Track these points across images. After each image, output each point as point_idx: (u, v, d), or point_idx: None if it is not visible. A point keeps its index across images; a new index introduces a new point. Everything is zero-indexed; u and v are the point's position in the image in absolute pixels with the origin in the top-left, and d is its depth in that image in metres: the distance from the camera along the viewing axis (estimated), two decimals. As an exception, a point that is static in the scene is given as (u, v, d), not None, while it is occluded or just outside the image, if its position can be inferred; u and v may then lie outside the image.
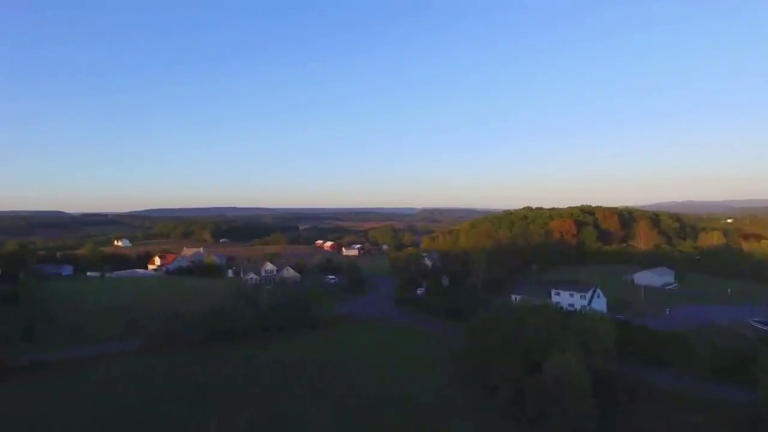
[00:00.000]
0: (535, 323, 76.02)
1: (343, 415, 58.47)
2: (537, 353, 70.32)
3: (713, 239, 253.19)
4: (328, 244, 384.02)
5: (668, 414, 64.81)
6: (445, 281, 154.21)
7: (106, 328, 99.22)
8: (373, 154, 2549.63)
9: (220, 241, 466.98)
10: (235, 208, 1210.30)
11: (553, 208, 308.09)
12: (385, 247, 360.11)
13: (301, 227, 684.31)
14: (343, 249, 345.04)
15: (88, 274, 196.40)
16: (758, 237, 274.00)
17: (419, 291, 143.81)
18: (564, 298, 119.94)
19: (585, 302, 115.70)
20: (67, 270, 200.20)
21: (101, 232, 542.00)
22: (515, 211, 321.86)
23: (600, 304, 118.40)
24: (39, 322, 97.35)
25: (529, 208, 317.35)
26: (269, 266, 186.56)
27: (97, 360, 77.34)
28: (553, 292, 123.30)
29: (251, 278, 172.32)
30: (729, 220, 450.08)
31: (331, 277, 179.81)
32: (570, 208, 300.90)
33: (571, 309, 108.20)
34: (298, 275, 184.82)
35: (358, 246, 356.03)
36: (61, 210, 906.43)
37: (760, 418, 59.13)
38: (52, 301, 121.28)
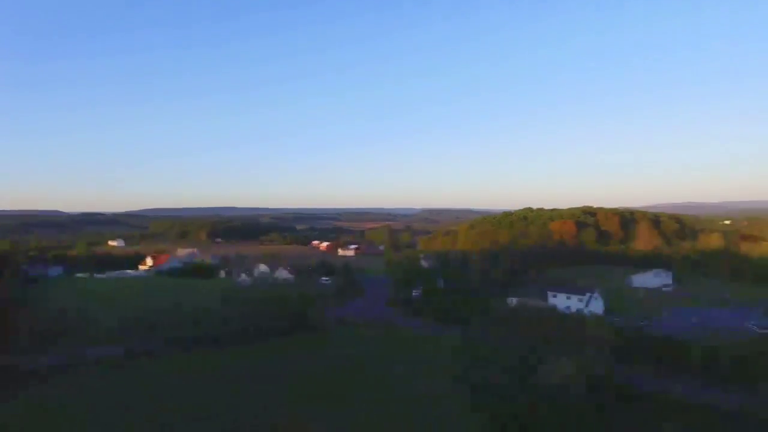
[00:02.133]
0: (531, 327, 74.84)
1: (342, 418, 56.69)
2: (532, 357, 69.15)
3: (712, 241, 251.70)
4: (324, 244, 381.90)
5: (660, 419, 63.42)
6: (440, 283, 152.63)
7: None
8: (373, 154, 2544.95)
9: (216, 241, 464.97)
10: (233, 207, 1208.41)
11: (553, 209, 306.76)
12: (382, 247, 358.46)
13: (298, 227, 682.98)
14: (339, 249, 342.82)
15: (78, 275, 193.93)
16: (756, 239, 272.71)
17: (415, 293, 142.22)
18: (561, 301, 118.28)
19: (582, 305, 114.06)
20: (56, 271, 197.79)
21: (95, 232, 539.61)
22: (515, 212, 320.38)
23: (597, 306, 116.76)
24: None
25: (530, 209, 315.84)
26: (263, 267, 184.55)
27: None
28: (550, 294, 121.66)
29: (243, 279, 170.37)
30: (727, 222, 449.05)
31: (325, 278, 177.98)
32: (571, 208, 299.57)
33: (568, 312, 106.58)
34: (293, 276, 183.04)
35: (355, 246, 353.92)
36: (58, 209, 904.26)
37: (756, 421, 57.75)
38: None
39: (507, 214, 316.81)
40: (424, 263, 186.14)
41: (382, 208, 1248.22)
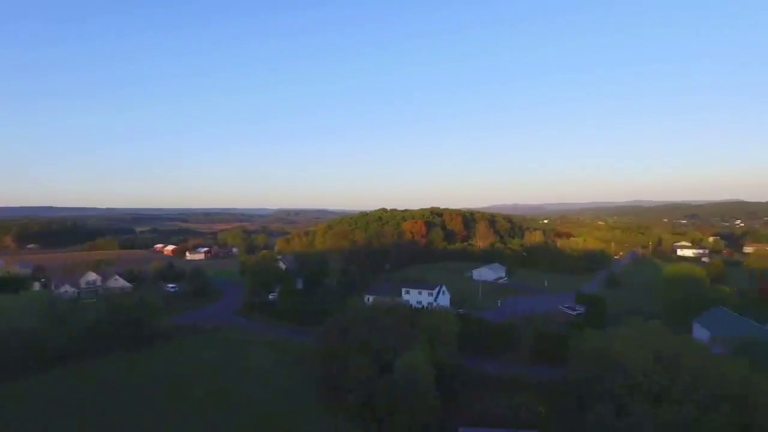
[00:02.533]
0: (387, 323, 77.14)
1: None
2: (388, 352, 71.40)
3: (535, 238, 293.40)
4: (170, 248, 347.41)
5: (500, 398, 71.03)
6: (300, 284, 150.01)
7: None
8: (224, 153, 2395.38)
9: (27, 247, 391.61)
10: (51, 207, 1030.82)
11: (405, 210, 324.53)
12: (235, 250, 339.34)
13: (138, 229, 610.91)
14: (188, 253, 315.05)
15: None
16: (568, 235, 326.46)
17: (272, 296, 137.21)
18: (413, 297, 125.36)
19: (432, 299, 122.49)
20: None
21: None
22: (371, 212, 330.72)
23: (445, 300, 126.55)
24: None
25: (384, 210, 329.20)
26: (92, 276, 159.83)
27: None
28: (403, 291, 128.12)
29: (67, 291, 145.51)
30: (545, 221, 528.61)
31: (171, 285, 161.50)
32: (421, 209, 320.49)
33: (420, 306, 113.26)
34: (130, 285, 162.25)
35: (205, 249, 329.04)
36: None
37: (566, 390, 68.22)
38: None
39: (363, 215, 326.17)
40: (282, 265, 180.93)
41: (235, 209, 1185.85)
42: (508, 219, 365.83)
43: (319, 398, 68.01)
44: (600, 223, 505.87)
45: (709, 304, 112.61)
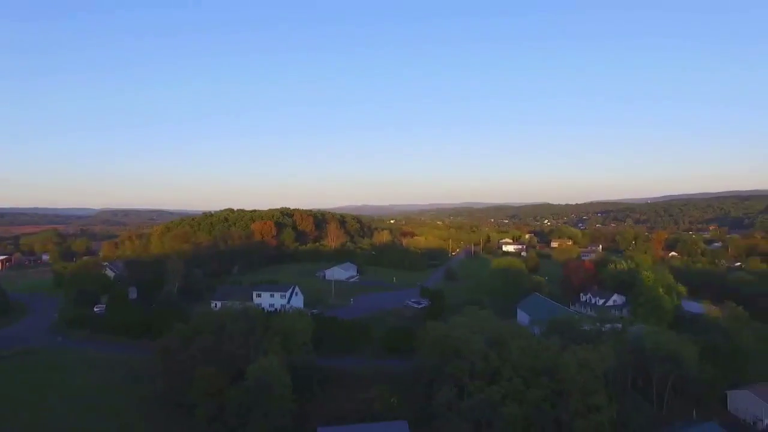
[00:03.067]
0: (237, 329, 72.83)
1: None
2: (240, 360, 67.48)
3: (383, 237, 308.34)
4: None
5: (354, 394, 72.61)
6: (133, 293, 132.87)
7: None
8: (27, 139, 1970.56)
9: None
10: None
11: (254, 210, 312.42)
12: (46, 257, 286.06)
13: None
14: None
15: None
16: (412, 234, 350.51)
17: (97, 308, 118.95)
18: (266, 299, 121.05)
19: (285, 301, 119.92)
20: None
21: None
22: (216, 212, 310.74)
23: (298, 301, 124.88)
24: None
25: (231, 210, 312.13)
26: None
27: None
28: (254, 294, 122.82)
29: None
30: (392, 221, 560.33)
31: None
32: (271, 210, 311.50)
33: (273, 309, 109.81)
34: None
35: (3, 257, 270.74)
36: None
37: (415, 378, 73.17)
38: None
39: (207, 216, 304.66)
40: (109, 272, 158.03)
41: (46, 208, 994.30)
42: (358, 219, 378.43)
43: (161, 419, 61.03)
44: (439, 223, 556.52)
45: (528, 291, 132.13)
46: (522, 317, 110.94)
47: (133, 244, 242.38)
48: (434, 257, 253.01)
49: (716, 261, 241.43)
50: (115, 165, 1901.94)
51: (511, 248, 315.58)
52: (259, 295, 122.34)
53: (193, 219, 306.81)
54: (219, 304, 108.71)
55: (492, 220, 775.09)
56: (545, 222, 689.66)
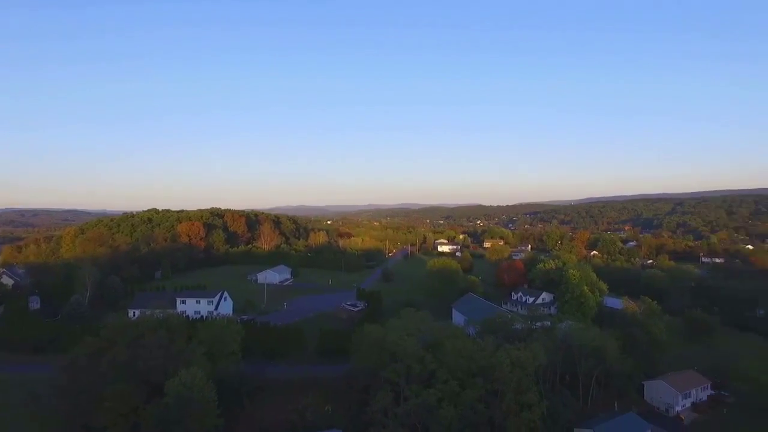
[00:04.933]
0: (156, 341, 66.45)
1: None
2: (158, 374, 61.50)
3: (320, 238, 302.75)
4: None
5: (286, 403, 69.10)
6: (36, 303, 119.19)
7: None
8: None
9: None
10: None
11: (181, 211, 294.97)
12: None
13: None
14: None
15: None
16: (349, 235, 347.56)
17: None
18: (191, 307, 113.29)
19: (212, 308, 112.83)
20: None
21: None
22: (137, 213, 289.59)
23: (227, 307, 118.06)
24: None
25: (155, 210, 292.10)
26: None
27: None
28: (178, 300, 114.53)
29: None
30: (329, 222, 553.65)
31: None
32: (200, 210, 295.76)
33: (198, 317, 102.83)
34: None
35: None
36: None
37: (350, 384, 70.89)
38: None
39: (128, 216, 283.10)
40: (7, 280, 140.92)
41: None
42: (294, 220, 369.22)
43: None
44: (375, 223, 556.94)
45: (463, 291, 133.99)
46: (457, 317, 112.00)
47: (39, 248, 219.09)
48: (371, 258, 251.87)
49: (632, 259, 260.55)
50: (21, 161, 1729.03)
51: (446, 248, 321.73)
52: (183, 302, 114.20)
53: (111, 220, 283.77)
54: (137, 312, 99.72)
55: (428, 220, 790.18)
56: (478, 223, 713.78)
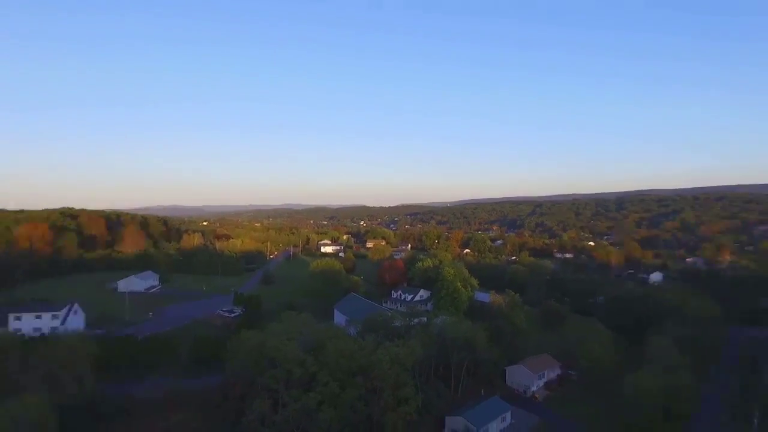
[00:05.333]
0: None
1: None
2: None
3: (194, 240, 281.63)
4: None
5: (156, 422, 62.68)
6: None
7: None
8: None
9: None
10: None
11: (21, 211, 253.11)
12: None
13: None
14: None
15: None
16: (227, 237, 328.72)
17: None
18: (28, 323, 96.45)
19: (58, 323, 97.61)
20: None
21: None
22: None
23: (77, 321, 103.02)
24: None
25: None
26: None
27: None
28: (12, 317, 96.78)
29: None
30: (205, 223, 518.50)
31: None
32: (46, 210, 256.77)
33: (39, 335, 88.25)
34: None
35: None
36: None
37: (226, 395, 66.49)
38: None
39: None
40: None
41: None
42: (164, 221, 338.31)
43: None
44: (257, 224, 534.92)
45: (345, 291, 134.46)
46: (339, 318, 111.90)
47: None
48: (251, 261, 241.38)
49: (499, 256, 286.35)
50: None
51: (329, 249, 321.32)
52: (18, 318, 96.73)
53: None
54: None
55: (311, 221, 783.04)
56: (362, 223, 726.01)
